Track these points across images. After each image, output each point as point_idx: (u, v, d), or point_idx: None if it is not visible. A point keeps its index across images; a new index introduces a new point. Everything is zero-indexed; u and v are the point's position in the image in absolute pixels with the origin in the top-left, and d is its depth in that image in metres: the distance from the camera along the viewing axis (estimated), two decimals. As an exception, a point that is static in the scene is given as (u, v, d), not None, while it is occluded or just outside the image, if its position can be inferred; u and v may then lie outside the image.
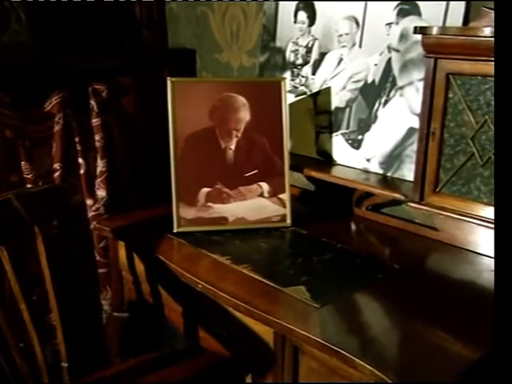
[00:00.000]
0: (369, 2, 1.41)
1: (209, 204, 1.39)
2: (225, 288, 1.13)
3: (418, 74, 1.32)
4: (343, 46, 1.47)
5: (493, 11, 1.12)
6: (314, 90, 1.54)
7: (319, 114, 1.54)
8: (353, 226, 1.48)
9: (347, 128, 1.48)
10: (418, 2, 1.32)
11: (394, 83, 1.37)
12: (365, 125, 1.44)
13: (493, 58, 1.08)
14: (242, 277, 1.18)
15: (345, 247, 1.31)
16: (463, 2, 1.24)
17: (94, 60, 1.75)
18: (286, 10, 1.59)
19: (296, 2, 1.56)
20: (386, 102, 1.39)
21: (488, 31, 1.08)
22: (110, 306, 1.78)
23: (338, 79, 1.49)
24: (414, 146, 1.30)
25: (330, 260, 1.24)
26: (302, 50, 1.57)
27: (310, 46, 1.55)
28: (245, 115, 1.40)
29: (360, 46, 1.44)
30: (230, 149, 1.40)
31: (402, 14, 1.35)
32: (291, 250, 1.34)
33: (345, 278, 1.17)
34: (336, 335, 0.99)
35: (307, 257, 1.26)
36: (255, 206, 1.42)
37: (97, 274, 1.81)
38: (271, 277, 1.16)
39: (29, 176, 1.64)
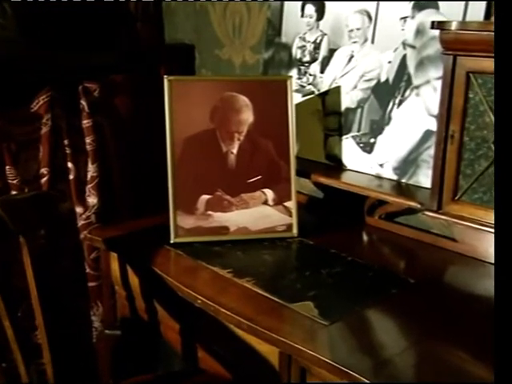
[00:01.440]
0: (382, -5, 1.41)
1: (209, 212, 1.39)
2: (226, 303, 1.13)
3: (435, 72, 1.32)
4: (354, 42, 1.48)
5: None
6: (323, 90, 1.55)
7: (328, 115, 1.54)
8: (364, 237, 1.48)
9: (358, 130, 1.48)
10: (436, -5, 1.32)
11: (409, 82, 1.38)
12: (377, 127, 1.44)
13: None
14: (244, 291, 1.18)
15: (356, 259, 1.31)
16: (484, -5, 1.24)
17: (85, 56, 1.75)
18: (293, 2, 1.60)
19: (303, -5, 1.57)
20: (400, 103, 1.39)
21: None
22: (101, 323, 1.78)
23: (349, 78, 1.49)
24: (431, 151, 1.30)
25: (339, 273, 1.24)
26: (310, 46, 1.57)
27: (318, 41, 1.56)
28: (248, 116, 1.40)
29: (372, 41, 1.45)
30: (232, 153, 1.41)
31: (418, 7, 1.35)
32: (298, 262, 1.34)
33: (356, 292, 1.17)
34: (346, 355, 0.98)
35: (315, 270, 1.26)
36: (259, 214, 1.42)
37: (87, 288, 1.81)
38: (276, 291, 1.16)
39: (14, 181, 1.64)
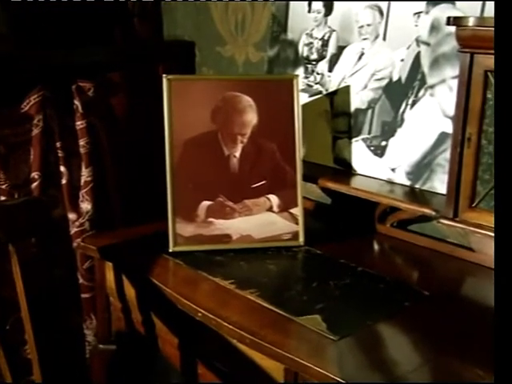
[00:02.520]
0: (394, -11, 1.42)
1: (210, 219, 1.39)
2: (228, 317, 1.13)
3: (451, 71, 1.32)
4: (364, 39, 1.48)
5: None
6: (331, 89, 1.55)
7: (337, 116, 1.54)
8: (375, 246, 1.48)
9: (369, 133, 1.48)
10: (451, -11, 1.32)
11: (423, 81, 1.38)
12: (389, 129, 1.44)
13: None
14: (247, 304, 1.18)
15: (366, 270, 1.30)
16: (503, -11, 1.24)
17: (79, 54, 1.76)
18: (299, -3, 1.60)
19: (310, -11, 1.58)
20: (413, 103, 1.39)
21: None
22: (94, 337, 1.78)
23: (359, 77, 1.49)
24: (447, 154, 1.30)
25: (349, 285, 1.24)
26: (318, 43, 1.58)
27: (326, 38, 1.56)
28: (251, 118, 1.41)
29: (384, 38, 1.45)
30: (235, 156, 1.41)
31: (432, 1, 1.35)
32: (304, 272, 1.34)
33: (366, 305, 1.17)
34: (356, 373, 0.98)
35: (323, 281, 1.25)
36: (263, 221, 1.42)
37: (80, 299, 1.81)
38: (281, 304, 1.16)
39: (3, 186, 1.65)
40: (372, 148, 1.47)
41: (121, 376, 1.54)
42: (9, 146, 1.66)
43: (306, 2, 1.59)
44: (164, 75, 1.39)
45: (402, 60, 1.41)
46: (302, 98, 1.53)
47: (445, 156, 1.33)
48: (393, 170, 1.44)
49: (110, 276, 1.46)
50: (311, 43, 1.59)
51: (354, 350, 1.05)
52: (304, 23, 1.60)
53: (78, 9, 1.81)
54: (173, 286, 1.26)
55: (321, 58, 1.57)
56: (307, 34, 1.60)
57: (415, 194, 1.38)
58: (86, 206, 1.76)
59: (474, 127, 1.21)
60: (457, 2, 1.32)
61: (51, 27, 1.76)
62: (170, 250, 1.38)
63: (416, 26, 1.38)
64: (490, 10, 1.26)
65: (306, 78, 1.60)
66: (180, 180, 1.38)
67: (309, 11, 1.59)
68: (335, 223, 1.59)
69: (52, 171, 1.73)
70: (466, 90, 1.20)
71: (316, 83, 1.58)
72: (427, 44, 1.37)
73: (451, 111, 1.28)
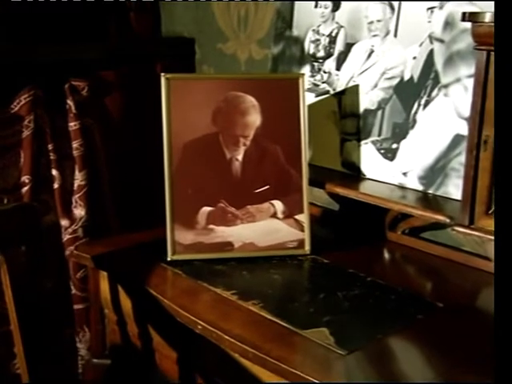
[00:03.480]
0: (406, -17, 1.42)
1: (210, 226, 1.40)
2: (230, 330, 1.13)
3: (466, 70, 1.32)
4: (374, 36, 1.48)
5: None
6: (339, 89, 1.55)
7: (345, 117, 1.55)
8: (386, 255, 1.48)
9: (379, 135, 1.48)
10: (467, -17, 1.33)
11: (436, 80, 1.38)
12: (401, 131, 1.44)
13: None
14: (250, 316, 1.18)
15: (376, 280, 1.31)
16: (521, -17, 1.24)
17: (72, 51, 1.76)
18: (305, -9, 1.61)
19: (317, -18, 1.58)
20: (426, 104, 1.40)
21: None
22: (88, 351, 1.78)
23: (368, 75, 1.49)
24: (462, 158, 1.30)
25: (358, 296, 1.24)
26: (325, 40, 1.58)
27: (333, 35, 1.56)
28: (255, 119, 1.41)
29: (395, 35, 1.45)
30: (237, 159, 1.41)
31: (446, -4, 1.36)
32: (311, 283, 1.34)
33: (377, 318, 1.17)
34: (366, 389, 0.98)
35: (330, 292, 1.26)
36: (267, 228, 1.42)
37: (72, 311, 1.81)
38: (286, 316, 1.16)
39: (-8, 191, 1.65)
40: (382, 151, 1.47)
41: (116, 392, 1.54)
42: (-3, 148, 1.67)
43: (313, -3, 1.59)
44: (162, 74, 1.39)
45: (415, 58, 1.41)
46: (308, 98, 1.53)
47: (460, 160, 1.33)
48: (404, 174, 1.44)
49: (104, 286, 1.46)
50: (318, 40, 1.59)
51: (363, 366, 1.05)
52: (310, 19, 1.60)
53: (70, 3, 1.82)
54: (171, 296, 1.26)
55: (328, 55, 1.57)
56: (314, 30, 1.60)
57: (428, 200, 1.38)
58: (79, 211, 1.77)
59: (491, 129, 1.20)
60: (472, -3, 1.32)
61: (42, 22, 1.76)
62: (169, 259, 1.38)
63: (429, 21, 1.39)
64: (507, 5, 1.26)
65: (313, 76, 1.60)
66: (179, 185, 1.38)
67: (315, 6, 1.59)
68: (343, 230, 1.59)
69: (43, 175, 1.73)
70: (483, 90, 1.20)
71: (323, 82, 1.58)
72: (441, 41, 1.37)
73: (466, 112, 1.28)
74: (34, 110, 1.68)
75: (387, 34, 1.46)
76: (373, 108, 1.49)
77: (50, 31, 1.76)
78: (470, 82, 1.25)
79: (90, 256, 1.43)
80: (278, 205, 1.43)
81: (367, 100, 1.50)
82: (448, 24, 1.35)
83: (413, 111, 1.42)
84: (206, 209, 1.40)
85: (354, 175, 1.52)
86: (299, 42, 1.63)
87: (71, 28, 1.81)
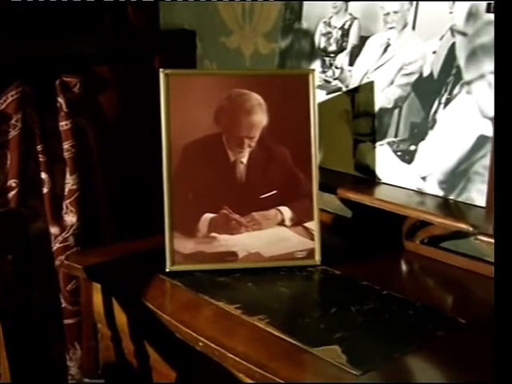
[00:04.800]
0: (425, -29, 1.42)
1: (213, 235, 1.40)
2: (233, 347, 1.13)
3: (490, 65, 1.32)
4: (391, 28, 1.49)
5: None
6: (352, 86, 1.55)
7: (358, 116, 1.55)
8: (403, 266, 1.48)
9: (395, 135, 1.48)
10: (491, -29, 1.33)
11: (458, 77, 1.38)
12: (419, 131, 1.44)
13: None
14: (255, 332, 1.17)
15: (393, 294, 1.30)
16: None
17: (64, 44, 1.77)
18: (316, -20, 1.61)
19: (329, -29, 1.58)
20: (447, 102, 1.39)
21: None
22: (79, 370, 1.78)
23: (384, 71, 1.49)
24: (486, 161, 1.30)
25: (372, 311, 1.24)
26: (337, 33, 1.58)
27: (346, 27, 1.56)
28: (260, 118, 1.41)
29: (413, 27, 1.45)
30: (242, 162, 1.41)
31: (469, -15, 1.36)
32: (321, 296, 1.34)
33: (393, 335, 1.17)
34: (382, 412, 0.98)
35: (343, 306, 1.25)
36: (273, 237, 1.42)
37: (62, 326, 1.81)
38: (295, 333, 1.16)
39: (-24, 196, 1.66)
40: (399, 153, 1.47)
41: (109, 415, 1.54)
42: (-18, 150, 1.68)
43: (324, -14, 1.60)
44: (161, 69, 1.40)
45: (435, 52, 1.41)
46: (319, 96, 1.53)
47: (484, 163, 1.33)
48: (423, 178, 1.44)
49: (97, 299, 1.46)
50: (329, 33, 1.60)
51: (378, 387, 1.05)
52: (321, 10, 1.60)
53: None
54: (170, 310, 1.26)
55: (340, 49, 1.58)
56: (325, 22, 1.60)
57: (449, 207, 1.38)
58: (70, 218, 1.77)
59: (517, 130, 1.21)
60: (497, -14, 1.32)
61: (32, 15, 1.77)
62: (167, 270, 1.38)
63: (450, 13, 1.38)
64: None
65: (324, 72, 1.60)
66: (179, 189, 1.38)
67: (327, -4, 1.60)
68: (356, 239, 1.59)
69: (32, 179, 1.74)
70: (508, 87, 1.20)
71: (335, 79, 1.58)
72: (463, 34, 1.37)
73: (491, 111, 1.28)
74: (22, 108, 1.69)
75: (405, 26, 1.46)
76: (389, 106, 1.49)
77: (40, 23, 1.76)
78: (495, 79, 1.26)
79: (82, 266, 1.43)
80: (286, 211, 1.43)
81: (383, 98, 1.50)
82: (471, 15, 1.35)
83: (432, 110, 1.42)
84: (208, 215, 1.40)
85: (368, 179, 1.52)
86: (309, 35, 1.63)
87: (63, 20, 1.81)
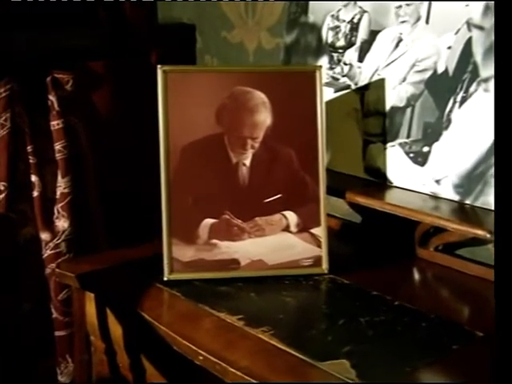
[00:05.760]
0: (439, -39, 1.42)
1: (213, 241, 1.40)
2: (235, 361, 1.13)
3: (508, 62, 1.32)
4: (403, 22, 1.49)
5: None
6: (362, 83, 1.55)
7: (368, 116, 1.55)
8: (416, 275, 1.48)
9: (408, 136, 1.48)
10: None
11: (475, 73, 1.38)
12: (433, 132, 1.44)
13: None
14: (259, 345, 1.17)
15: (405, 305, 1.30)
16: None
17: (55, 38, 1.77)
18: (323, -29, 1.61)
19: (337, -39, 1.59)
20: (463, 100, 1.39)
21: None
22: (71, 384, 1.79)
23: (396, 68, 1.50)
24: (504, 163, 1.30)
25: (383, 323, 1.24)
26: (345, 27, 1.58)
27: (355, 21, 1.57)
28: (264, 118, 1.41)
29: (427, 21, 1.45)
30: (244, 164, 1.41)
31: (486, -24, 1.36)
32: (329, 307, 1.34)
33: (405, 349, 1.16)
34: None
35: (352, 318, 1.25)
36: (278, 244, 1.42)
37: (53, 338, 1.81)
38: (301, 345, 1.16)
39: (-38, 200, 1.66)
40: (411, 155, 1.47)
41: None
42: (-31, 151, 1.68)
43: (332, -23, 1.60)
44: (158, 66, 1.40)
45: (450, 47, 1.41)
46: (327, 94, 1.54)
47: (501, 165, 1.33)
48: (437, 181, 1.44)
49: (90, 310, 1.46)
50: (337, 27, 1.60)
51: (390, 404, 1.05)
52: (329, 3, 1.61)
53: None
54: (168, 322, 1.26)
55: (349, 44, 1.58)
56: (333, 15, 1.60)
57: (465, 212, 1.38)
58: (62, 223, 1.77)
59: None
60: (516, -22, 1.32)
61: (22, 7, 1.77)
62: (165, 279, 1.38)
63: (467, 5, 1.38)
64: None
65: (331, 69, 1.60)
66: (178, 193, 1.39)
67: (335, -12, 1.60)
68: (366, 246, 1.59)
69: (21, 181, 1.74)
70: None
71: (343, 76, 1.59)
72: (481, 28, 1.37)
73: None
74: (11, 106, 1.69)
75: (418, 19, 1.46)
76: (401, 105, 1.49)
77: (29, 15, 1.77)
78: (514, 76, 1.26)
79: (75, 275, 1.43)
80: (291, 217, 1.43)
81: (394, 96, 1.50)
82: (489, 8, 1.35)
83: (447, 109, 1.42)
84: (209, 221, 1.40)
85: (378, 183, 1.52)
86: (316, 29, 1.63)
87: (54, 12, 1.81)
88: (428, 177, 1.45)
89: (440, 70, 1.43)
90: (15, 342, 1.34)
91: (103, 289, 1.43)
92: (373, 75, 1.54)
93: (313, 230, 1.42)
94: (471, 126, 1.39)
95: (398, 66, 1.49)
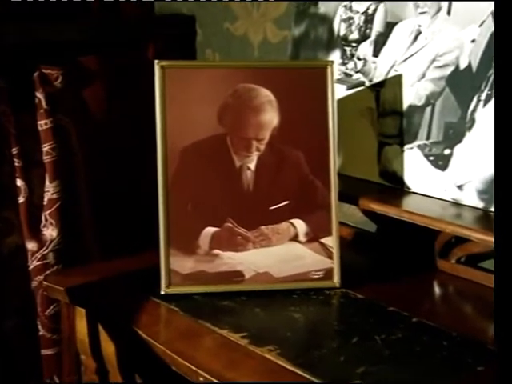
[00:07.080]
0: None
1: (215, 252, 1.40)
2: (239, 381, 1.13)
3: (537, 57, 1.32)
4: (422, 13, 1.49)
5: None
6: (377, 80, 1.55)
7: (384, 115, 1.55)
8: (436, 289, 1.47)
9: (427, 138, 1.48)
10: None
11: (500, 70, 1.38)
12: (455, 133, 1.44)
13: None
14: (264, 365, 1.17)
15: (424, 321, 1.30)
16: None
17: (43, 30, 1.77)
18: (335, -43, 1.62)
19: None
20: (488, 99, 1.40)
21: None
22: (59, 408, 1.79)
23: (414, 63, 1.50)
24: (532, 167, 1.30)
25: (400, 341, 1.24)
26: (359, 19, 1.59)
27: (370, 12, 1.57)
28: (271, 118, 1.41)
29: (448, 12, 1.45)
30: (249, 168, 1.42)
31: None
32: (341, 324, 1.34)
33: (424, 370, 1.16)
34: None
35: (366, 336, 1.25)
36: (285, 255, 1.42)
37: (40, 357, 1.81)
38: (310, 366, 1.16)
39: None
40: (431, 158, 1.47)
41: None
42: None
43: (344, -35, 1.60)
44: (156, 61, 1.40)
45: (473, 41, 1.41)
46: (339, 92, 1.54)
47: (529, 169, 1.33)
48: (459, 187, 1.44)
49: (81, 326, 1.46)
50: (351, 18, 1.60)
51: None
52: (341, -8, 1.61)
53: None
54: (165, 340, 1.26)
55: (363, 38, 1.58)
56: (345, 6, 1.61)
57: (490, 220, 1.38)
58: (50, 232, 1.77)
59: None
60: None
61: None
62: (163, 292, 1.38)
63: (491, -5, 1.39)
64: None
65: (344, 64, 1.61)
66: (176, 199, 1.39)
67: (348, -24, 1.60)
68: (382, 258, 1.59)
69: (6, 186, 1.74)
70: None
71: (357, 72, 1.59)
72: (506, 20, 1.37)
73: (538, 110, 1.28)
74: (-4, 104, 1.70)
75: (438, 10, 1.47)
76: (419, 104, 1.49)
77: (18, 8, 1.77)
78: (543, 72, 1.26)
79: (64, 288, 1.43)
80: (300, 225, 1.43)
81: (412, 94, 1.50)
82: (515, -1, 1.36)
83: (470, 108, 1.42)
84: (210, 230, 1.40)
85: (395, 188, 1.53)
86: (327, 20, 1.64)
87: (43, 3, 1.82)
88: (449, 182, 1.45)
89: (463, 65, 1.43)
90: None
91: (95, 303, 1.43)
92: (389, 71, 1.54)
93: (323, 240, 1.43)
94: (496, 126, 1.39)
95: (416, 61, 1.50)
